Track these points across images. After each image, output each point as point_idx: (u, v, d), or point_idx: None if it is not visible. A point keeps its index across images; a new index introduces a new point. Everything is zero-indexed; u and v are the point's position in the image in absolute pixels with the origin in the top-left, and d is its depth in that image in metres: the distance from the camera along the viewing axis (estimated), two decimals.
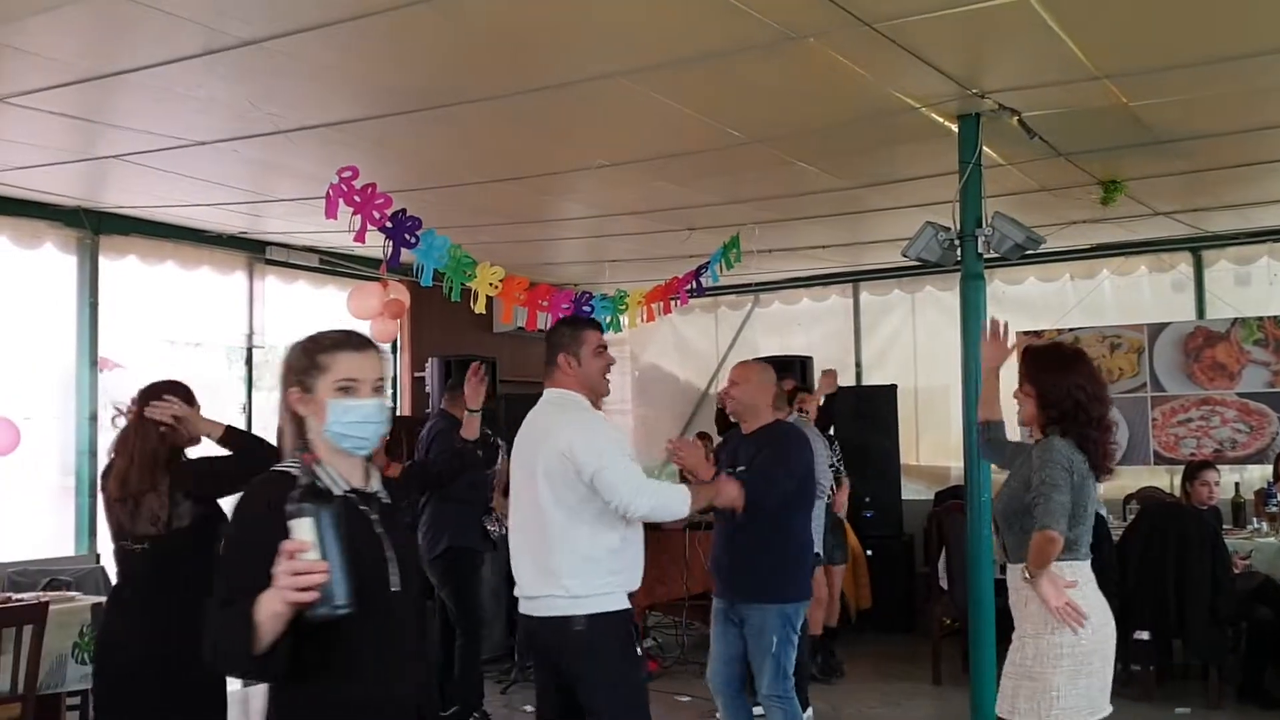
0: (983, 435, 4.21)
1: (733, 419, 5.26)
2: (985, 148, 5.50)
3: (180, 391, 4.12)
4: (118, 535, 4.05)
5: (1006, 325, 4.31)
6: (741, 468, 4.78)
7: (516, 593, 3.96)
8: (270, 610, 2.05)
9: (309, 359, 2.40)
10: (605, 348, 4.02)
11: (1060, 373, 3.80)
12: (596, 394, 3.99)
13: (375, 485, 2.47)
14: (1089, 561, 3.79)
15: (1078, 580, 3.72)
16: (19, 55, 4.47)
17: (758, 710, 5.08)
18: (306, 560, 2.01)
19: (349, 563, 2.10)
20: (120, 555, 4.06)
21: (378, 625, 2.28)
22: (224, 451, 4.16)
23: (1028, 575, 3.67)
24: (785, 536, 4.89)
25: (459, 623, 6.60)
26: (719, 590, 5.07)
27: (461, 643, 6.57)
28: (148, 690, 3.85)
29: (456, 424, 6.81)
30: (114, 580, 4.16)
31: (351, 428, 2.36)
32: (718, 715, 5.28)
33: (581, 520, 3.78)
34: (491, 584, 8.23)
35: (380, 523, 2.39)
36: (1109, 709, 3.75)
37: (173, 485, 3.94)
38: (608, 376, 4.03)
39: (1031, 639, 3.71)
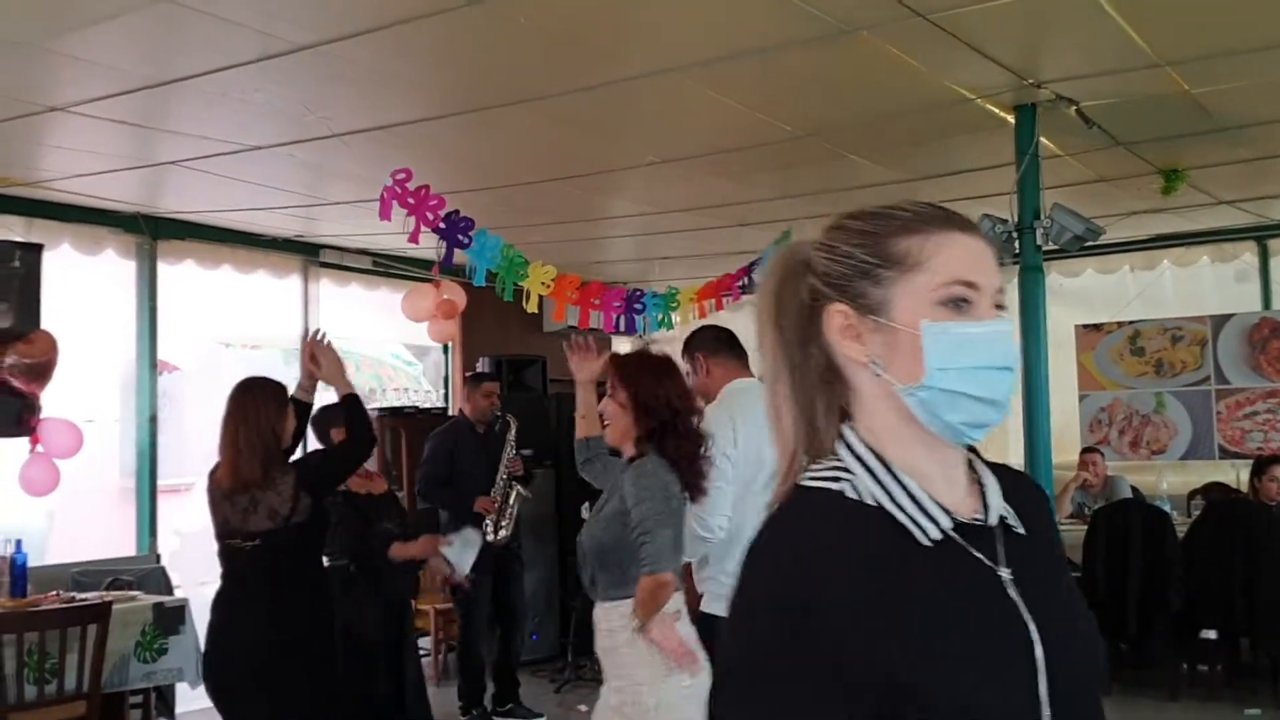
0: (581, 454, 3.89)
1: None
2: (1042, 138, 5.41)
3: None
4: (224, 534, 4.04)
5: (594, 338, 4.09)
6: None
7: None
8: None
9: (876, 245, 1.21)
10: None
11: (656, 380, 3.53)
12: None
13: (994, 503, 1.24)
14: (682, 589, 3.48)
15: (680, 611, 3.40)
16: (80, 65, 4.53)
17: None
18: None
19: (962, 659, 1.13)
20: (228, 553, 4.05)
21: None
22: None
23: (637, 622, 3.31)
24: None
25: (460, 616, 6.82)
26: None
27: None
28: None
29: (472, 431, 6.77)
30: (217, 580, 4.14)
31: (973, 378, 1.16)
32: None
33: None
34: (545, 582, 8.25)
35: (1015, 580, 1.20)
36: None
37: (298, 481, 3.98)
38: None
39: (648, 686, 3.32)
